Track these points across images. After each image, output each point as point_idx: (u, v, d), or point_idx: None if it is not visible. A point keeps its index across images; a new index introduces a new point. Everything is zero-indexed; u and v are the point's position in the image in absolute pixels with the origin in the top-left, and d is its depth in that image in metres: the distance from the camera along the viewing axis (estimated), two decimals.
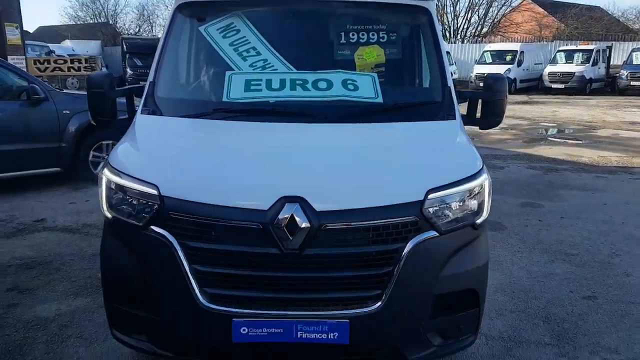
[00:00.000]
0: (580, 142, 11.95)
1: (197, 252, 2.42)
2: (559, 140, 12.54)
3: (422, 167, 2.70)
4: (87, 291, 4.03)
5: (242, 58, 3.41)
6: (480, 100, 3.46)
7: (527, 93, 25.41)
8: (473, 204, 2.64)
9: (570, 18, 34.12)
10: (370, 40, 3.55)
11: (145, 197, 2.51)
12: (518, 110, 18.09)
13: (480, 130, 13.16)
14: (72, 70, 20.86)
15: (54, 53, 26.50)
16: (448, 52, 27.15)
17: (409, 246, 2.43)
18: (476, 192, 2.65)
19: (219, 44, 3.48)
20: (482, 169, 2.74)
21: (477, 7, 37.27)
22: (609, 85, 26.13)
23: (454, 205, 2.58)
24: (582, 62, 24.96)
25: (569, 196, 7.10)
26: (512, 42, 29.94)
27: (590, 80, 24.84)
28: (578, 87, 24.32)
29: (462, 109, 3.47)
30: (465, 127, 3.42)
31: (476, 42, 31.48)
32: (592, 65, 24.92)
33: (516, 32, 35.64)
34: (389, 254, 2.44)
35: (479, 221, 2.68)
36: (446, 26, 37.65)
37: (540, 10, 37.71)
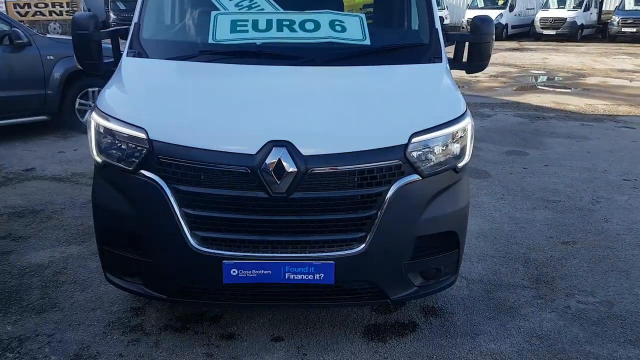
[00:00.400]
0: (569, 90, 11.97)
1: (186, 195, 2.48)
2: (547, 88, 12.54)
3: (406, 111, 2.74)
4: (80, 239, 4.09)
5: None
6: (467, 43, 3.45)
7: (518, 39, 25.06)
8: (455, 147, 2.71)
9: None
10: None
11: (134, 141, 2.54)
12: (508, 57, 17.93)
13: (469, 78, 13.18)
14: (53, 14, 20.19)
15: None
16: None
17: (392, 190, 2.51)
18: (459, 135, 2.71)
19: None
20: (465, 113, 2.79)
21: None
22: (600, 32, 25.85)
23: (437, 149, 2.64)
24: (574, 7, 24.53)
25: (554, 144, 7.20)
26: None
27: (582, 26, 24.50)
28: (569, 34, 24.01)
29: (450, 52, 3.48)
30: (471, 73, 3.55)
31: None
32: (584, 11, 24.52)
33: None
34: (372, 197, 2.52)
35: (460, 165, 2.75)
36: None
37: None
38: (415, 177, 2.57)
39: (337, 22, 3.19)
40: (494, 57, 18.03)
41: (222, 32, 3.12)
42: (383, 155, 2.51)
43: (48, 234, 4.19)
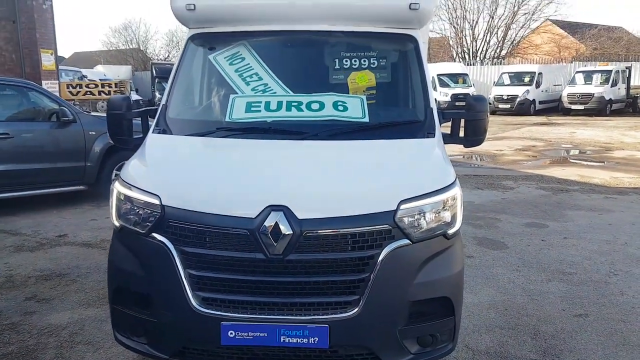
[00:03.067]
0: (595, 163, 11.94)
1: (191, 256, 2.66)
2: (573, 161, 12.54)
3: (396, 180, 2.91)
4: (99, 302, 4.29)
5: (246, 83, 3.76)
6: (463, 120, 3.70)
7: (546, 114, 25.34)
8: (445, 214, 2.83)
9: (589, 39, 33.99)
10: (362, 66, 3.84)
11: (149, 207, 2.79)
12: (535, 132, 18.09)
13: (494, 151, 13.32)
14: (102, 94, 21.76)
15: (86, 77, 27.60)
16: (466, 74, 27.50)
17: (383, 253, 2.63)
18: (448, 203, 2.84)
19: (226, 71, 3.83)
20: (453, 183, 2.93)
21: (495, 30, 37.46)
22: (630, 106, 25.89)
23: (426, 215, 2.77)
24: (601, 82, 24.80)
25: (575, 216, 7.16)
26: (530, 63, 29.92)
27: (610, 101, 24.65)
28: (598, 108, 24.15)
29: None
30: (469, 147, 3.77)
31: (495, 64, 31.47)
32: (612, 86, 24.75)
33: (535, 54, 35.63)
34: (364, 260, 2.64)
35: (451, 231, 2.86)
36: (465, 48, 37.87)
37: (560, 31, 37.66)
38: (406, 241, 2.68)
39: (340, 103, 3.51)
40: (521, 132, 18.29)
41: (238, 112, 3.49)
42: (374, 220, 2.66)
43: (70, 296, 4.41)
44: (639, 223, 6.83)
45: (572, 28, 37.55)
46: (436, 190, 2.83)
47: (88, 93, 21.62)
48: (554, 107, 26.28)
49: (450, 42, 37.75)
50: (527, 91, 24.97)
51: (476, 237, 6.20)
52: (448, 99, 26.43)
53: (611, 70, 25.07)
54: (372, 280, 2.62)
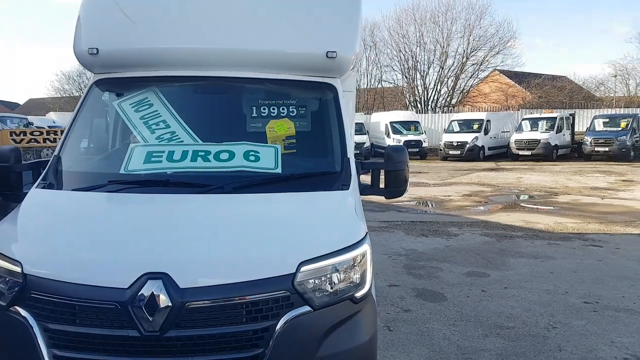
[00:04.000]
0: (540, 208, 12.03)
1: (56, 335, 2.29)
2: (518, 206, 12.61)
3: (298, 239, 2.62)
4: None
5: (151, 131, 3.45)
6: (383, 171, 3.52)
7: (495, 160, 25.97)
8: (352, 275, 2.56)
9: (534, 87, 35.62)
10: (281, 114, 3.64)
11: (9, 275, 2.41)
12: (484, 177, 18.36)
13: (442, 197, 13.28)
14: (47, 141, 21.03)
15: (32, 125, 26.72)
16: (417, 122, 28.15)
17: (280, 324, 2.32)
18: (356, 263, 2.57)
19: (130, 118, 3.52)
20: (363, 239, 2.68)
21: (446, 80, 38.85)
22: (575, 151, 26.88)
23: (330, 277, 2.49)
24: (546, 129, 25.74)
25: (517, 264, 6.99)
26: (479, 111, 30.95)
27: (556, 146, 25.53)
28: (544, 154, 24.94)
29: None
30: (390, 198, 3.63)
31: (446, 112, 32.48)
32: (557, 132, 25.70)
33: (484, 102, 36.99)
34: (258, 334, 2.31)
35: (359, 294, 2.58)
36: (417, 97, 38.99)
37: (507, 80, 39.41)
38: (306, 308, 2.39)
39: (252, 153, 3.26)
40: (470, 177, 18.52)
41: (135, 163, 3.16)
42: (269, 285, 2.35)
43: None
44: (581, 270, 6.71)
45: (518, 77, 39.39)
46: (342, 249, 2.56)
47: (32, 140, 20.78)
48: (502, 153, 27.00)
49: (404, 92, 38.82)
50: (476, 138, 25.62)
51: (415, 288, 5.92)
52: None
53: (556, 117, 26.10)
54: (267, 357, 2.28)
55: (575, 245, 8.21)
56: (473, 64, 38.52)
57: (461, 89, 39.20)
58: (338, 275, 2.52)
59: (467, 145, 25.56)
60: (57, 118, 32.90)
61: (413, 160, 26.72)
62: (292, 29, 3.69)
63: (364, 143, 27.26)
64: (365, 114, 33.19)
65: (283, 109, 3.65)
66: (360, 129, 28.03)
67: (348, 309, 2.54)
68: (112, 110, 3.74)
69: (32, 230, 2.76)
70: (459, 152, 25.79)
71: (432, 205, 12.51)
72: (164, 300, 2.22)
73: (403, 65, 39.24)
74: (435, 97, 38.75)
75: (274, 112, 3.62)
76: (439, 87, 38.81)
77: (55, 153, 3.40)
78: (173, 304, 2.22)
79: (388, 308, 5.28)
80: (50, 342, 2.28)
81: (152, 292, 2.23)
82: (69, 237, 2.62)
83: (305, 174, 3.34)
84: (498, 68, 39.55)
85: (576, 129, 28.00)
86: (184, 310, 2.24)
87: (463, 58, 38.17)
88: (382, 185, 3.57)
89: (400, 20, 39.48)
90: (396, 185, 3.49)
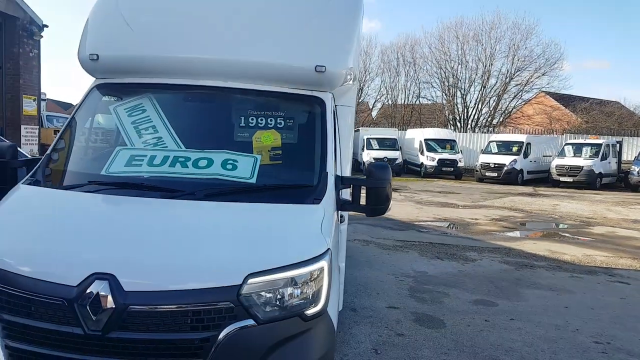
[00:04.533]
0: (570, 238, 11.47)
1: (9, 325, 2.36)
2: (547, 235, 12.07)
3: (248, 250, 2.54)
4: None
5: (139, 135, 3.52)
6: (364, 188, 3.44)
7: (534, 185, 25.07)
8: (304, 291, 2.48)
9: (580, 111, 34.38)
10: (269, 125, 3.63)
11: None
12: (518, 202, 17.73)
13: (469, 220, 12.92)
14: None
15: None
16: (454, 140, 27.61)
17: (222, 335, 2.27)
18: (310, 278, 2.49)
19: (122, 122, 3.62)
20: (322, 255, 2.59)
21: (488, 99, 38.03)
22: (621, 181, 25.66)
23: (279, 291, 2.42)
24: (590, 155, 24.70)
25: (530, 296, 6.63)
26: (521, 133, 30.08)
27: (600, 174, 24.43)
28: (587, 181, 23.92)
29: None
30: (371, 216, 3.56)
31: (486, 132, 31.73)
32: (602, 160, 24.61)
33: (527, 124, 35.97)
34: (198, 343, 2.26)
35: (310, 311, 2.49)
36: (457, 115, 38.34)
37: (553, 102, 38.20)
38: (250, 322, 2.32)
39: (230, 161, 3.25)
40: (503, 201, 17.93)
41: (116, 165, 3.22)
42: (213, 295, 2.30)
43: None
44: (599, 307, 6.29)
45: (564, 100, 38.14)
46: (296, 263, 2.48)
47: None
48: (543, 178, 26.09)
49: (443, 109, 38.23)
50: (515, 160, 24.85)
51: (415, 313, 5.68)
52: (435, 163, 26.44)
53: (601, 144, 25.04)
54: None
55: (600, 280, 7.74)
56: (517, 85, 37.61)
57: (503, 109, 38.26)
58: (289, 290, 2.44)
59: (505, 168, 24.81)
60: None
61: (447, 180, 26.20)
62: (283, 42, 3.70)
63: (396, 159, 26.94)
64: (399, 129, 32.85)
65: (271, 120, 3.62)
66: (393, 144, 27.82)
67: (296, 326, 2.45)
68: (106, 114, 3.80)
69: (3, 224, 2.81)
70: (495, 174, 25.07)
71: (456, 228, 12.13)
72: (108, 301, 2.23)
73: (443, 82, 38.81)
74: (476, 117, 37.99)
75: (261, 123, 3.61)
76: (480, 106, 38.08)
77: (48, 151, 3.50)
78: (116, 305, 2.23)
79: (381, 330, 5.08)
80: (4, 332, 2.35)
81: (98, 292, 2.25)
82: (33, 232, 2.67)
83: (278, 185, 3.28)
84: (544, 90, 38.42)
85: (624, 158, 26.76)
86: (127, 313, 2.24)
87: (506, 78, 37.33)
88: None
89: (442, 37, 39.14)
90: (377, 203, 3.40)
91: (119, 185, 3.08)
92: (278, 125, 3.59)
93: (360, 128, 30.68)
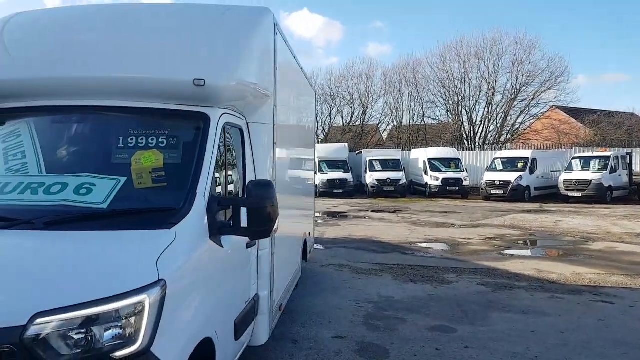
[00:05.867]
0: (563, 256, 10.91)
1: None
2: (538, 253, 11.51)
3: (44, 286, 2.26)
4: None
5: (5, 162, 3.37)
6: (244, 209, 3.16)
7: (543, 201, 24.31)
8: (111, 331, 2.18)
9: (588, 124, 33.58)
10: (149, 145, 3.33)
11: None
12: (519, 220, 17.13)
13: (460, 239, 12.48)
14: None
15: None
16: (458, 159, 27.11)
17: None
18: (122, 315, 2.20)
19: None
20: (142, 289, 2.29)
21: (494, 116, 37.45)
22: (636, 193, 24.75)
23: (78, 332, 2.12)
24: (599, 169, 23.91)
25: (497, 320, 6.17)
26: (530, 149, 29.40)
27: (610, 188, 23.61)
28: (597, 195, 23.11)
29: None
30: (254, 239, 3.50)
31: (495, 149, 31.05)
32: (611, 172, 23.80)
33: (536, 139, 35.20)
34: None
35: (121, 353, 2.17)
36: (464, 134, 37.80)
37: (562, 116, 37.40)
38: None
39: (86, 185, 3.04)
40: (504, 219, 17.35)
41: None
42: None
43: None
44: (570, 331, 5.81)
45: (574, 113, 37.30)
46: (99, 300, 2.18)
47: None
48: (552, 194, 25.31)
49: (449, 128, 37.70)
50: (520, 177, 24.21)
51: (362, 342, 5.30)
52: (439, 183, 25.93)
53: (609, 156, 24.28)
54: None
55: (582, 300, 7.23)
56: (523, 100, 36.99)
57: (510, 125, 37.61)
58: (92, 329, 2.15)
59: (511, 185, 24.17)
60: None
61: (453, 199, 25.61)
62: (163, 57, 3.54)
63: (400, 180, 26.51)
64: (402, 150, 32.44)
65: (152, 140, 3.37)
66: (396, 165, 27.42)
67: None
68: None
69: None
70: (501, 192, 24.42)
71: (443, 249, 11.66)
72: None
73: (448, 101, 38.43)
74: (484, 134, 37.38)
75: (142, 143, 3.36)
76: (487, 123, 37.49)
77: None
78: None
79: None
80: None
81: None
82: None
83: (131, 209, 3.01)
84: (551, 103, 37.70)
85: (635, 169, 25.86)
86: None
87: (511, 94, 36.75)
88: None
89: (443, 56, 38.84)
90: (259, 225, 3.12)
91: None
92: (160, 144, 3.34)
93: (362, 150, 30.41)
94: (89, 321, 2.14)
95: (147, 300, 2.28)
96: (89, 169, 3.20)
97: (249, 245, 3.88)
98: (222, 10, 3.91)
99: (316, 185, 26.85)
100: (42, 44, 3.63)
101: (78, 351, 2.11)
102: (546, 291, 7.69)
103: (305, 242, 7.30)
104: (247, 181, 3.99)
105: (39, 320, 2.06)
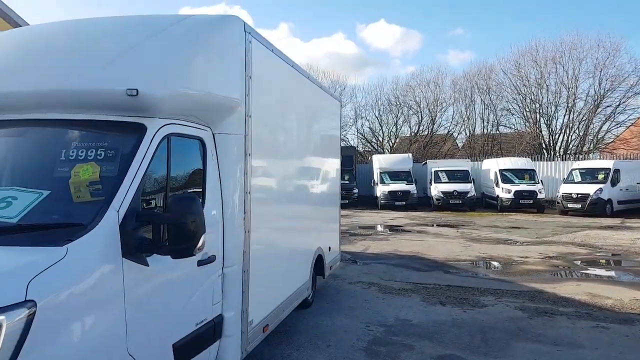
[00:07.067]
0: (627, 279, 9.72)
1: None
2: (599, 275, 10.33)
3: None
4: None
5: None
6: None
7: (627, 216, 22.09)
8: None
9: None
10: (88, 157, 3.27)
11: None
12: (592, 237, 15.64)
13: (516, 257, 11.60)
14: None
15: None
16: (532, 170, 25.46)
17: None
18: None
19: None
20: (4, 309, 2.22)
21: (577, 124, 34.74)
22: None
23: None
24: None
25: (519, 352, 5.53)
26: (611, 159, 26.96)
27: None
28: None
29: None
30: (176, 258, 3.10)
31: (577, 159, 28.73)
32: None
33: (624, 148, 32.25)
34: None
35: None
36: (542, 143, 35.43)
37: None
38: None
39: (8, 199, 3.03)
40: (575, 235, 15.94)
41: None
42: None
43: None
44: None
45: None
46: None
47: None
48: (638, 209, 23.00)
49: (525, 137, 35.44)
50: (600, 189, 22.16)
51: None
52: (511, 195, 24.36)
53: None
54: None
55: (632, 331, 6.34)
56: (608, 106, 34.03)
57: (594, 134, 34.70)
58: None
59: (589, 198, 22.20)
60: None
61: (526, 213, 23.98)
62: (100, 67, 3.47)
63: (468, 192, 25.26)
64: (475, 160, 30.92)
65: (91, 152, 3.32)
66: (464, 176, 26.20)
67: None
68: None
69: None
70: (579, 206, 22.48)
71: (493, 267, 10.82)
72: None
73: (524, 109, 36.20)
74: (565, 143, 34.80)
75: (81, 155, 3.31)
76: (568, 131, 34.86)
77: None
78: None
79: None
80: None
81: None
82: None
83: (38, 225, 2.92)
84: None
85: None
86: None
87: (594, 100, 33.96)
88: None
89: (518, 63, 36.67)
90: (179, 242, 2.97)
91: None
92: (98, 156, 3.27)
93: (427, 161, 29.38)
94: None
95: (4, 321, 2.19)
96: (18, 182, 3.21)
97: (202, 263, 3.69)
98: (173, 21, 3.82)
99: (376, 197, 26.46)
100: None
101: None
102: (592, 319, 6.83)
103: (319, 257, 7.00)
104: (206, 192, 3.84)
105: None
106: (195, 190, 3.86)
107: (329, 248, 7.60)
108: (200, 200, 3.82)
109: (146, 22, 3.88)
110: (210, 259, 3.80)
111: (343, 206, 25.16)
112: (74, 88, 3.37)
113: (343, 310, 7.05)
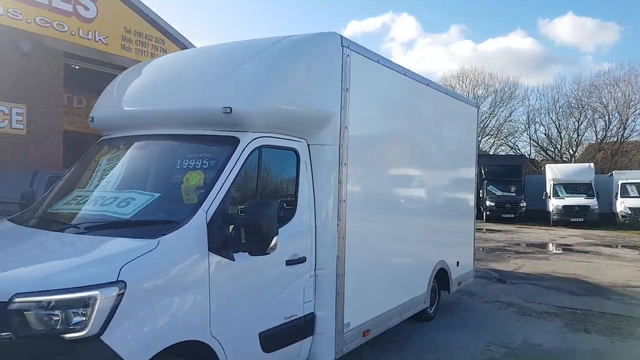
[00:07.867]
0: None
1: None
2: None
3: (27, 273, 2.97)
4: None
5: (98, 179, 4.29)
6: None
7: None
8: (67, 315, 2.71)
9: None
10: (196, 167, 3.86)
11: None
12: None
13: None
14: None
15: None
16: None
17: None
18: (75, 304, 2.72)
19: (99, 168, 4.40)
20: (97, 286, 2.77)
21: None
22: None
23: (41, 312, 2.71)
24: None
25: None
26: None
27: None
28: None
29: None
30: (254, 255, 3.51)
31: None
32: None
33: None
34: None
35: (71, 335, 2.68)
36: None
37: None
38: (9, 334, 2.66)
39: (128, 199, 3.70)
40: None
41: (60, 204, 4.07)
42: None
43: None
44: None
45: None
46: (62, 289, 2.75)
47: None
48: None
49: None
50: None
51: None
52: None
53: None
54: None
55: None
56: None
57: None
58: (53, 312, 2.71)
59: None
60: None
61: None
62: (202, 89, 4.09)
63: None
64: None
65: (198, 162, 3.90)
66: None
67: (54, 345, 2.69)
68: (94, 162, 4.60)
69: None
70: None
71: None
72: None
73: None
74: None
75: (191, 165, 3.89)
76: None
77: (45, 193, 4.53)
78: None
79: None
80: None
81: None
82: None
83: (145, 221, 3.50)
84: None
85: None
86: None
87: None
88: None
89: None
90: (253, 242, 3.38)
91: (47, 220, 3.88)
92: (203, 166, 3.82)
93: (614, 172, 25.65)
94: (53, 304, 2.70)
95: (99, 295, 2.74)
96: (140, 185, 3.92)
97: (290, 263, 4.00)
98: (273, 42, 4.19)
99: (548, 211, 24.02)
100: (131, 87, 4.59)
101: (41, 326, 2.69)
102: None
103: (442, 271, 6.81)
104: (298, 199, 4.15)
105: (17, 300, 2.69)
106: (287, 197, 4.20)
107: (457, 263, 7.32)
108: (292, 206, 4.15)
109: (250, 45, 4.35)
110: (300, 260, 4.09)
111: (508, 221, 23.86)
112: (184, 107, 4.02)
113: (466, 327, 6.74)
